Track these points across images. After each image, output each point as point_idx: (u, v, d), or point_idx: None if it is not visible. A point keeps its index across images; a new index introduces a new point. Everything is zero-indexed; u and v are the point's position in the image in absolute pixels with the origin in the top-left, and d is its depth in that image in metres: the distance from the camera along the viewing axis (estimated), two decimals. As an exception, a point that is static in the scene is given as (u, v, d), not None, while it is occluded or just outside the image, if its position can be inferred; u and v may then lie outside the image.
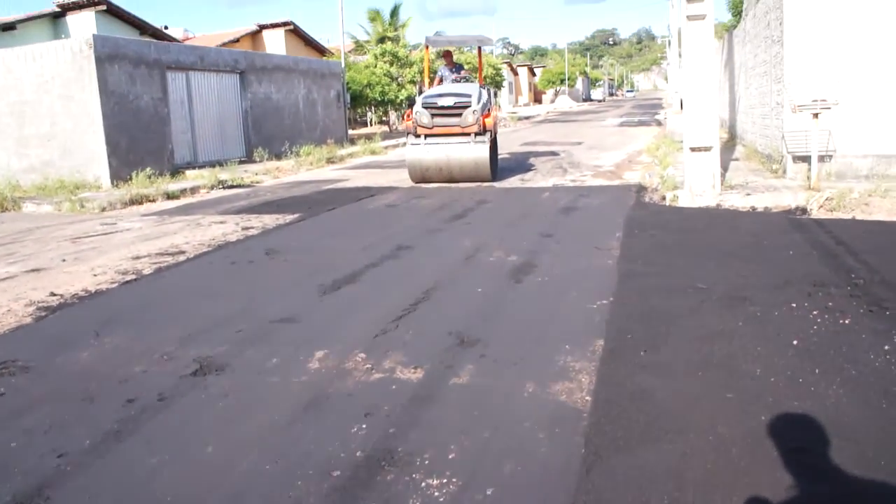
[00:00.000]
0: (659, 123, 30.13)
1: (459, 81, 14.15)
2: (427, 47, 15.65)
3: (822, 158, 9.53)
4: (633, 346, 4.19)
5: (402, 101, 32.80)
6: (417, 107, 12.63)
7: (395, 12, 38.52)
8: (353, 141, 24.31)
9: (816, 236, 7.01)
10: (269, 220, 9.71)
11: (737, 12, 22.16)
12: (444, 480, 2.82)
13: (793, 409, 3.26)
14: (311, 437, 3.26)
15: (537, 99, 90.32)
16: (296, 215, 10.06)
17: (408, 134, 13.13)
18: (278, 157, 19.32)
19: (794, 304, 4.75)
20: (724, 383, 3.58)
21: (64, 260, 7.68)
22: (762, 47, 12.18)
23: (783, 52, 10.12)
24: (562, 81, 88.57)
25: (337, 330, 4.77)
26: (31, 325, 5.29)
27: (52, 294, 6.14)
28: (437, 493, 2.74)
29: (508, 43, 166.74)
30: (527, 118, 43.66)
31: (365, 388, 3.79)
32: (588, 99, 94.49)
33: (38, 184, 14.50)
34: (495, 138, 13.75)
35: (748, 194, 9.09)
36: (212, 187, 14.03)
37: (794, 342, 4.07)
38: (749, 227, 7.69)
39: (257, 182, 15.15)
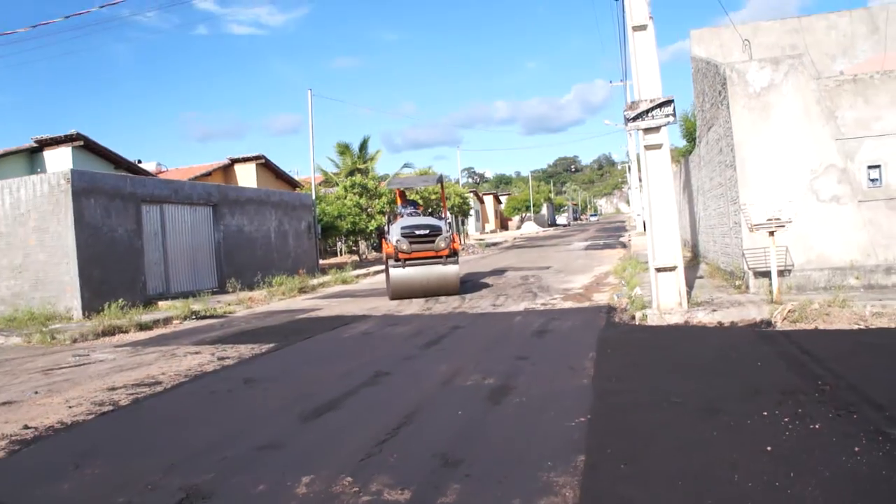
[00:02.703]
0: (624, 245, 30.94)
1: (413, 215, 17.13)
2: (395, 190, 19.82)
3: (781, 273, 9.94)
4: (613, 459, 4.27)
5: (371, 231, 33.42)
6: (397, 236, 15.18)
7: (364, 145, 39.72)
8: (324, 271, 24.58)
9: (783, 347, 7.26)
10: (245, 350, 9.73)
11: (691, 138, 23.32)
12: None
13: (772, 513, 3.35)
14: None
15: (504, 225, 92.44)
16: (271, 344, 10.10)
17: (387, 258, 15.68)
18: (251, 287, 19.46)
19: (765, 413, 4.90)
20: (703, 491, 3.67)
21: (36, 392, 7.59)
22: (717, 171, 12.85)
23: (736, 175, 10.71)
24: (527, 208, 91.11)
25: (322, 455, 4.78)
26: (4, 460, 5.20)
27: (26, 427, 6.05)
28: None
29: (473, 172, 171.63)
30: (494, 244, 44.51)
31: (352, 509, 3.79)
32: (553, 224, 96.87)
33: (8, 315, 14.41)
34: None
35: (714, 310, 9.37)
36: (185, 318, 14.03)
37: (768, 448, 4.20)
38: (718, 342, 7.92)
39: (230, 312, 15.19)
